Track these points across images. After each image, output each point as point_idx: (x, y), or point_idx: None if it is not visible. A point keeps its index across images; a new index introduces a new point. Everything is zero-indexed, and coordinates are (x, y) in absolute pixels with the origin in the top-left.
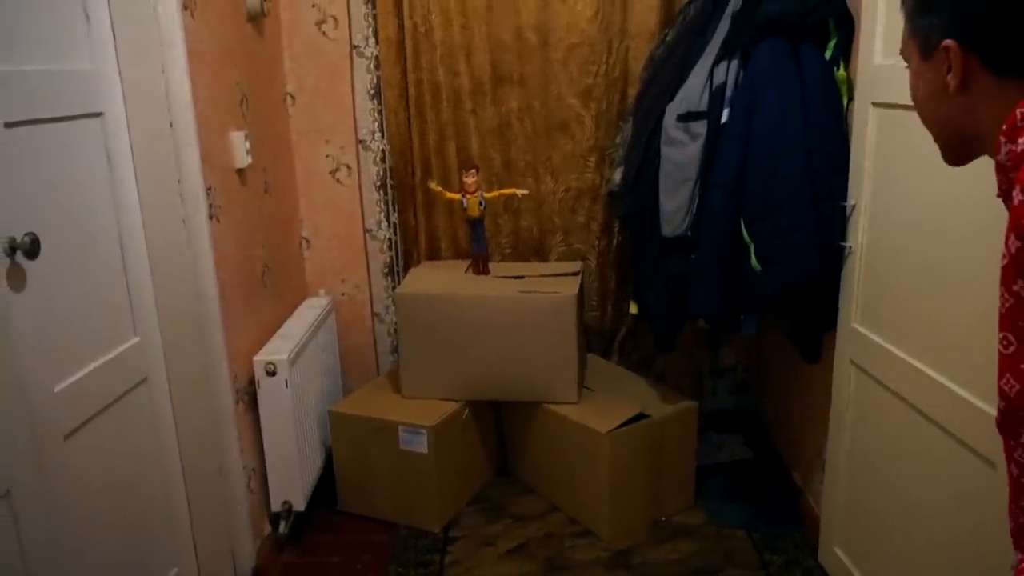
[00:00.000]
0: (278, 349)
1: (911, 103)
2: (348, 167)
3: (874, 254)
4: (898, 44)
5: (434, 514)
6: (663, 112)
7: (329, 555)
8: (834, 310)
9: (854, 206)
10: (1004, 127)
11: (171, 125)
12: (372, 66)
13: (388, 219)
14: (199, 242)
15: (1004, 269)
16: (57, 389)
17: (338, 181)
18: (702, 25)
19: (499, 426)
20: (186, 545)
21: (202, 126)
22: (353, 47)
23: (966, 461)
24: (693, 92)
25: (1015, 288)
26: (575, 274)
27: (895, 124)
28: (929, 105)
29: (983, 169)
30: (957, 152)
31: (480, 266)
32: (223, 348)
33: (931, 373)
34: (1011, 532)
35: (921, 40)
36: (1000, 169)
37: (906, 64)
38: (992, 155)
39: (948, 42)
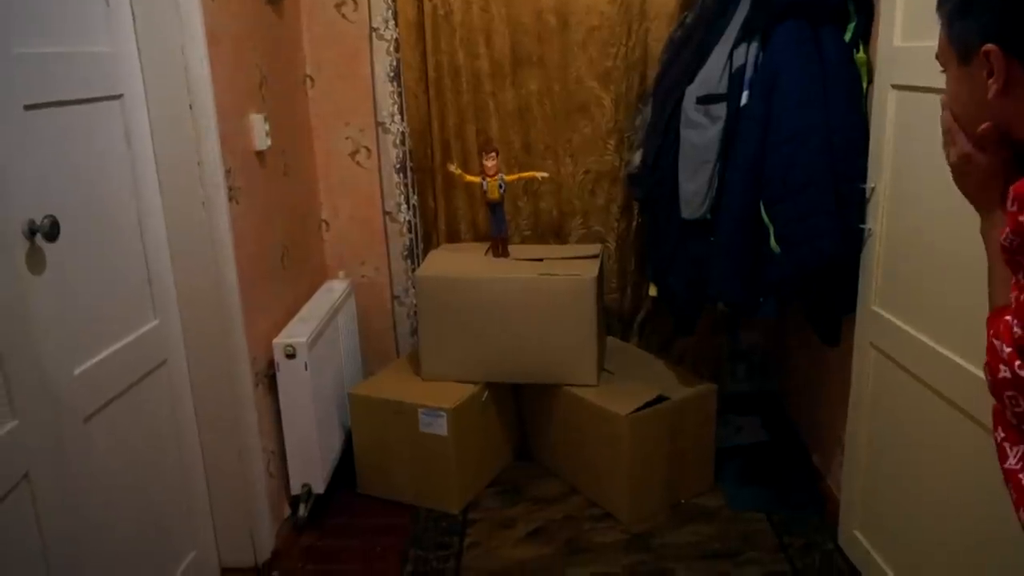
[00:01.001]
0: (297, 332)
1: (930, 85)
2: (368, 149)
3: (893, 236)
4: (917, 26)
5: (453, 496)
6: (683, 94)
7: (348, 538)
8: (853, 292)
9: (873, 188)
10: None
11: (190, 107)
12: (392, 48)
13: (408, 201)
14: (218, 225)
15: None
16: (77, 372)
17: (357, 163)
18: (722, 7)
19: (518, 409)
20: (205, 528)
21: (221, 108)
22: (372, 29)
23: (987, 443)
24: (712, 74)
25: None
26: (595, 256)
27: (914, 106)
28: (968, 110)
29: None
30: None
31: (499, 249)
32: (242, 331)
33: (950, 355)
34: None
35: (959, 45)
36: None
37: (942, 70)
38: None
39: (989, 46)
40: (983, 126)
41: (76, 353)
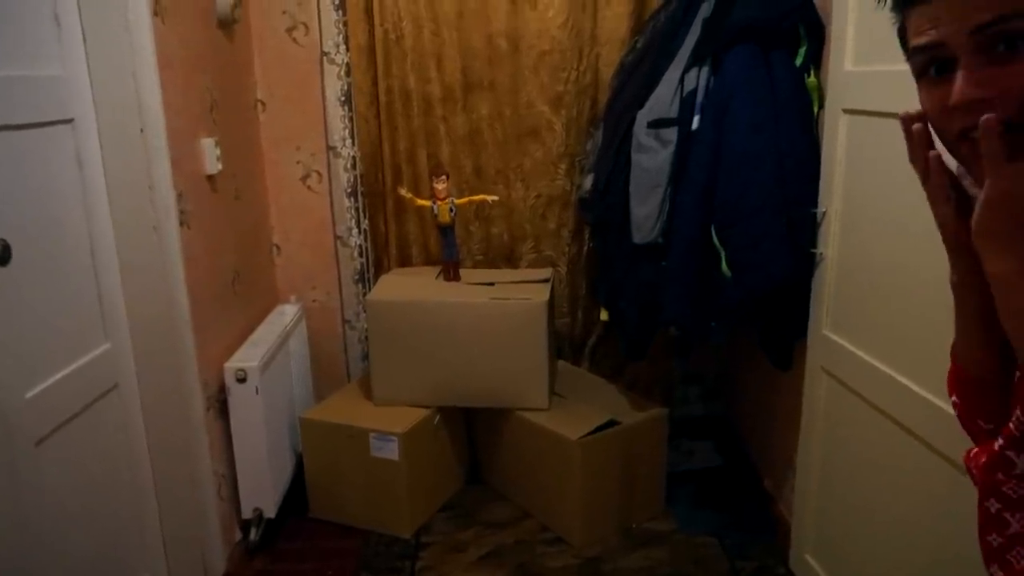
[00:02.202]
0: (249, 356)
1: (881, 110)
2: (319, 173)
3: (845, 261)
4: (868, 51)
5: (405, 521)
6: (634, 119)
7: (300, 562)
8: (805, 317)
9: (824, 213)
10: None
11: (141, 131)
12: (343, 72)
13: (359, 226)
14: (170, 249)
15: None
16: (28, 395)
17: (308, 188)
18: (673, 32)
19: (470, 433)
20: (157, 552)
21: (172, 132)
22: (324, 53)
23: (937, 467)
24: (664, 99)
25: None
26: (545, 281)
27: (865, 131)
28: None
29: None
30: None
31: (451, 273)
32: (193, 355)
33: (902, 379)
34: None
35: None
36: None
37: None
38: None
39: None
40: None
41: (27, 377)
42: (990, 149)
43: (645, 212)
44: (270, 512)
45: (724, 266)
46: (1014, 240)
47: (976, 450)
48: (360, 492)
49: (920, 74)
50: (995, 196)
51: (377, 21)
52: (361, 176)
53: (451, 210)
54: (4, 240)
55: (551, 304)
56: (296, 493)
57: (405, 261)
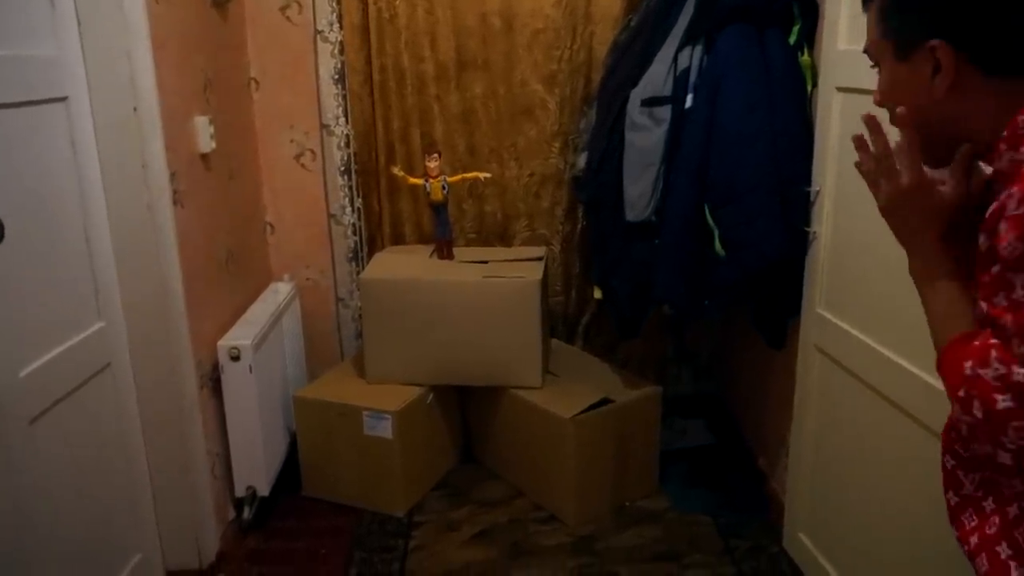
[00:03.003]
0: (242, 334)
1: (874, 88)
2: (312, 152)
3: (838, 239)
4: (862, 29)
5: (398, 499)
6: (627, 97)
7: (293, 540)
8: (798, 295)
9: (818, 191)
10: (1005, 134)
11: (135, 110)
12: (336, 51)
13: (352, 204)
14: (163, 228)
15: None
16: (22, 374)
17: (302, 166)
18: (666, 10)
19: (464, 411)
20: (150, 530)
21: (166, 111)
22: (317, 32)
23: (930, 444)
24: (657, 77)
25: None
26: (539, 259)
27: (859, 109)
28: (909, 108)
29: None
30: (943, 154)
31: (444, 251)
32: (187, 333)
33: (894, 358)
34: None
35: (897, 40)
36: (999, 176)
37: (873, 64)
38: (985, 158)
39: (936, 42)
40: (899, 109)
41: (21, 355)
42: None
43: (639, 190)
44: (263, 490)
45: (717, 244)
46: (914, 235)
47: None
48: (353, 470)
49: None
50: (906, 187)
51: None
52: (354, 154)
53: (443, 188)
54: None
55: (544, 283)
56: (289, 471)
57: (398, 240)
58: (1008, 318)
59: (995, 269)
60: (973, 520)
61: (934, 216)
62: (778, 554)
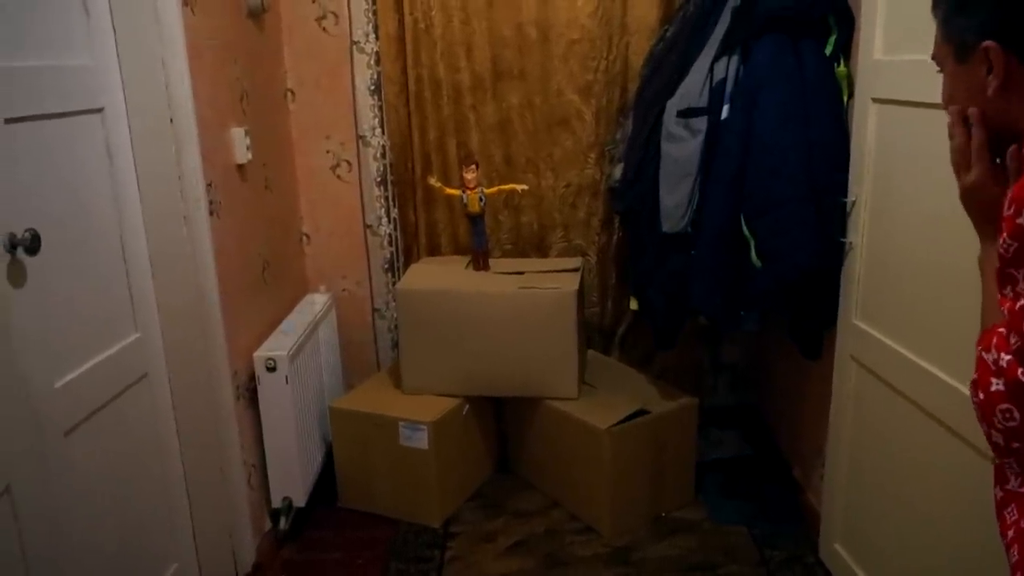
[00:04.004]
0: (278, 345)
1: (911, 99)
2: (348, 163)
3: (874, 250)
4: (898, 40)
5: (434, 510)
6: (663, 108)
7: (329, 551)
8: (834, 306)
9: (854, 202)
10: None
11: (171, 121)
12: (372, 62)
13: (388, 215)
14: (199, 238)
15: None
16: (58, 385)
17: (338, 177)
18: (702, 21)
19: (499, 422)
20: (186, 541)
21: (202, 122)
22: (353, 43)
23: (967, 456)
24: (693, 88)
25: None
26: (575, 270)
27: (895, 120)
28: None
29: None
30: (995, 152)
31: (480, 262)
32: (223, 344)
33: (932, 369)
34: None
35: (957, 43)
36: None
37: (939, 69)
38: None
39: (988, 43)
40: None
41: (57, 366)
42: (972, 141)
43: (674, 201)
44: (300, 501)
45: (753, 255)
46: (980, 227)
47: None
48: (389, 481)
49: None
50: (969, 184)
51: (407, 10)
52: (391, 165)
53: (481, 199)
54: (34, 230)
55: (581, 293)
56: (325, 482)
57: (434, 250)
58: (1007, 305)
59: (997, 266)
60: (1014, 514)
61: (996, 211)
62: (814, 565)
